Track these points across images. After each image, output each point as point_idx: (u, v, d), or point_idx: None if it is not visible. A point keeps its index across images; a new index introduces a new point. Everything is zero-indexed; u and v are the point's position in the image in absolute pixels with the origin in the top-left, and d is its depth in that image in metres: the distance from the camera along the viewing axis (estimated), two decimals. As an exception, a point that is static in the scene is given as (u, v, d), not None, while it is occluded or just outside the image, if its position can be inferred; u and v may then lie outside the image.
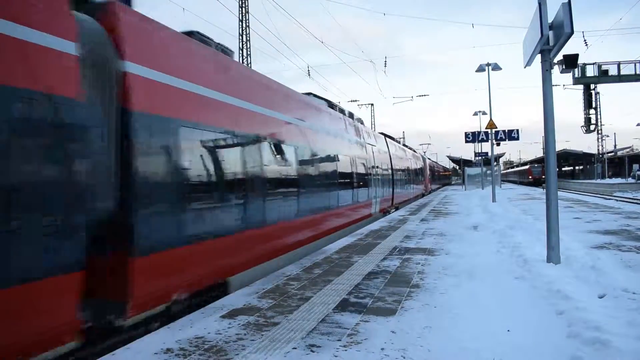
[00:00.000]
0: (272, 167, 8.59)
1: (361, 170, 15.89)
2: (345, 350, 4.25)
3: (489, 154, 31.45)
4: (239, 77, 8.35)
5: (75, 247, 4.21)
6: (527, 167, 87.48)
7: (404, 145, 34.53)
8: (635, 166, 60.75)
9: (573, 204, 23.42)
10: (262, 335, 4.67)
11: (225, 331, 4.80)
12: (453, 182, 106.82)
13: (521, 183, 79.64)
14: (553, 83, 7.93)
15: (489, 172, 43.17)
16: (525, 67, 8.57)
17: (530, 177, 76.45)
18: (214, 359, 4.08)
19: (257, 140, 8.16)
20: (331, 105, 14.80)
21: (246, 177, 7.56)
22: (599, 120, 60.23)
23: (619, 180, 57.11)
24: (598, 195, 37.49)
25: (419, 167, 35.83)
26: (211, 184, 6.66)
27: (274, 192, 8.70)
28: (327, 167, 12.21)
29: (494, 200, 25.13)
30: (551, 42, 7.43)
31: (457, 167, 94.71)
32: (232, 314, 5.39)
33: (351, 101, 49.85)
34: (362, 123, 18.66)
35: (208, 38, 7.61)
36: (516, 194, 37.16)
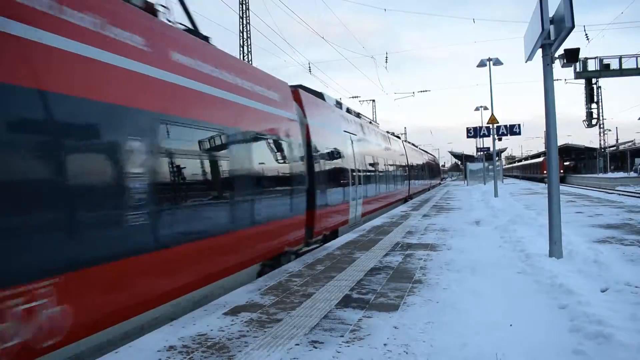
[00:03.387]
0: None
1: None
2: (348, 346, 4.25)
3: (491, 149, 31.42)
4: None
5: None
6: (540, 159, 70.74)
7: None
8: (638, 160, 60.60)
9: (575, 198, 23.39)
10: (265, 332, 4.68)
11: (228, 328, 4.81)
12: (454, 178, 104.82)
13: (532, 179, 69.30)
14: (554, 77, 7.92)
15: (491, 167, 42.96)
16: (526, 62, 8.55)
17: (545, 171, 64.74)
18: (216, 356, 4.09)
19: None
20: None
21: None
22: (600, 114, 60.10)
23: (620, 174, 56.97)
24: (600, 189, 37.43)
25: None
26: None
27: None
28: None
29: (496, 195, 25.10)
30: (552, 36, 7.41)
31: (459, 163, 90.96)
32: (234, 311, 5.40)
33: (353, 97, 49.82)
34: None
35: None
36: (518, 188, 37.09)
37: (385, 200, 20.61)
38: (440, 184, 61.01)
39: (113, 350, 4.28)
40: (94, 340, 4.44)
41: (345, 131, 13.97)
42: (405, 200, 26.92)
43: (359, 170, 15.05)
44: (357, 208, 14.62)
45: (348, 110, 16.60)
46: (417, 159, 35.24)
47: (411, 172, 30.01)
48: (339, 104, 15.36)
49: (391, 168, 22.36)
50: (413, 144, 43.45)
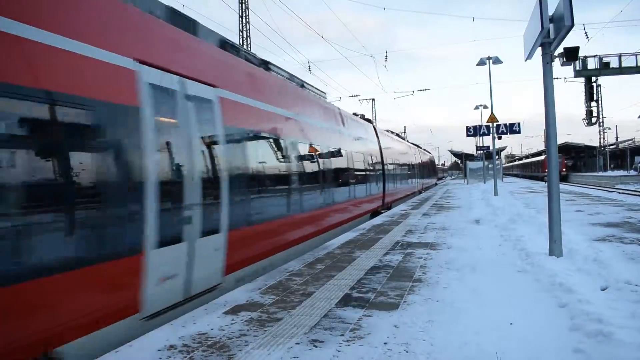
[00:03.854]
0: None
1: None
2: (349, 345, 4.26)
3: (491, 147, 31.44)
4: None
5: None
6: (542, 157, 65.51)
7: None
8: (637, 158, 60.61)
9: (575, 196, 23.39)
10: (265, 331, 4.68)
11: (229, 327, 4.81)
12: (454, 177, 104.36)
13: (532, 178, 67.78)
14: (554, 76, 7.91)
15: (491, 165, 42.91)
16: (526, 61, 8.55)
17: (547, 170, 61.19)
18: (217, 355, 4.09)
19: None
20: None
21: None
22: (600, 112, 60.07)
23: (620, 172, 56.98)
24: (600, 187, 37.43)
25: None
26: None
27: None
28: None
29: (495, 194, 25.12)
30: (552, 35, 7.41)
31: (459, 161, 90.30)
32: (235, 310, 5.40)
33: (352, 96, 49.79)
34: None
35: None
36: (518, 187, 37.13)
37: (326, 220, 12.22)
38: (436, 184, 52.66)
39: (113, 350, 4.29)
40: None
41: (162, 70, 5.83)
42: (375, 212, 18.59)
43: (228, 168, 7.07)
44: (195, 265, 6.11)
45: (223, 46, 8.48)
46: (399, 154, 26.43)
47: (390, 171, 22.00)
48: (175, 15, 7.20)
49: (344, 164, 14.47)
50: (397, 134, 34.82)
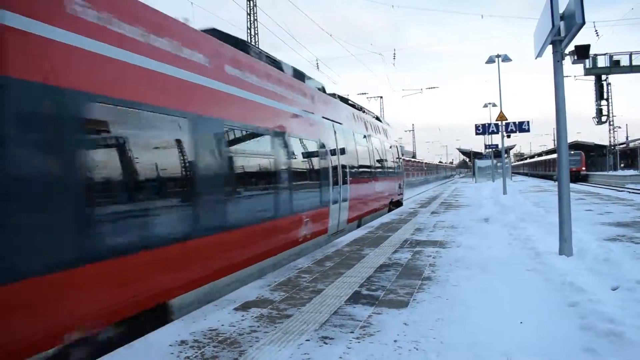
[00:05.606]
0: None
1: None
2: (359, 342, 4.27)
3: (499, 146, 31.29)
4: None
5: None
6: (554, 155, 59.39)
7: None
8: (647, 157, 60.00)
9: (585, 195, 23.25)
10: (275, 327, 4.71)
11: (239, 323, 4.85)
12: (462, 175, 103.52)
13: (544, 177, 64.50)
14: (564, 74, 7.86)
15: (499, 164, 42.71)
16: (536, 58, 8.52)
17: None
18: (228, 350, 4.13)
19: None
20: None
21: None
22: (610, 111, 59.55)
23: (631, 171, 56.44)
24: (610, 187, 37.15)
25: None
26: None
27: None
28: None
29: (504, 192, 25.01)
30: (562, 32, 7.37)
31: (468, 160, 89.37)
32: (245, 307, 5.44)
33: (360, 94, 49.80)
34: None
35: None
36: (527, 186, 36.94)
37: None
38: (398, 201, 21.13)
39: (126, 344, 4.34)
40: None
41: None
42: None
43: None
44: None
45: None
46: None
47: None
48: None
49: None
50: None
